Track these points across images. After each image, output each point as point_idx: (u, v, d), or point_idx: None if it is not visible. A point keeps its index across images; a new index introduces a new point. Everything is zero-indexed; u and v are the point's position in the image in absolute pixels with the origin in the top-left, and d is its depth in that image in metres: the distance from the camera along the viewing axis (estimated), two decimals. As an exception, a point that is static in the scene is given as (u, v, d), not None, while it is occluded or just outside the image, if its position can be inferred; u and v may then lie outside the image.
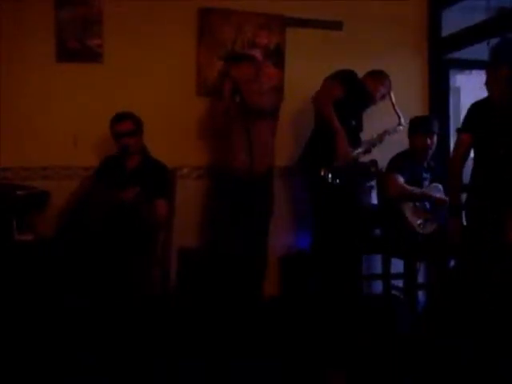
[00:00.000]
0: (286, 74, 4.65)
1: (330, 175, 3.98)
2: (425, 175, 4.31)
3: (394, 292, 4.54)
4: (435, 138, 4.26)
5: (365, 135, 4.31)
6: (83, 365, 3.17)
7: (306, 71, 4.53)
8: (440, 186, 4.31)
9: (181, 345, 3.50)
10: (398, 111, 4.31)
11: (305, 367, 3.28)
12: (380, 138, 4.29)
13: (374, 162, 4.21)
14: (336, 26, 4.77)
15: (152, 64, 4.37)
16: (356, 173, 4.18)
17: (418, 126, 4.26)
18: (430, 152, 4.28)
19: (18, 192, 3.76)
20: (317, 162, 4.03)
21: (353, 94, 4.13)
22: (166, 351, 3.41)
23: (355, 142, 4.18)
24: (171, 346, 3.48)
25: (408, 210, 4.16)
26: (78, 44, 4.26)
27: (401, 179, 4.15)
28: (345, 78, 4.12)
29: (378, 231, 4.55)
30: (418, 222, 4.14)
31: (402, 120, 4.31)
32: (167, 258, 3.96)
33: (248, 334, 3.70)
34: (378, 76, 4.34)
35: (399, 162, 4.26)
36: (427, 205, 4.20)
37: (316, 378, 3.17)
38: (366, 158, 4.22)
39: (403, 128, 4.32)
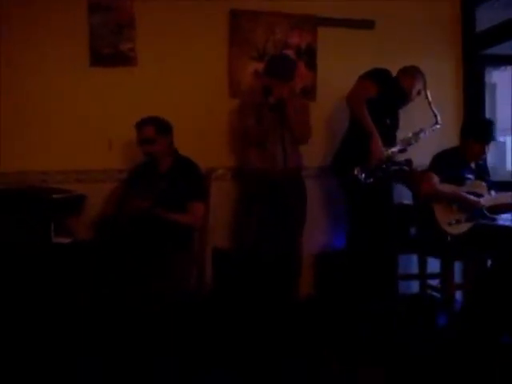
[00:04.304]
0: (318, 74, 4.64)
1: (363, 175, 3.95)
2: (468, 175, 4.22)
3: (430, 292, 4.50)
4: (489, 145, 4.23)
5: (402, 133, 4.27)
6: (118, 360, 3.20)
7: (338, 71, 4.52)
8: (484, 184, 4.24)
9: (216, 343, 3.50)
10: (435, 109, 4.24)
11: (341, 365, 3.26)
12: (416, 137, 4.23)
13: (408, 162, 4.17)
14: (368, 25, 4.74)
15: (184, 67, 4.40)
16: (390, 172, 4.13)
17: (474, 133, 4.20)
18: (483, 157, 4.27)
19: (55, 195, 3.80)
20: (350, 162, 4.01)
21: (387, 91, 4.08)
22: (202, 349, 3.42)
23: (390, 140, 4.14)
24: (207, 344, 3.48)
25: (438, 209, 4.11)
26: (110, 48, 4.29)
27: (436, 178, 4.10)
28: (377, 76, 4.09)
29: (413, 230, 4.51)
30: (448, 222, 4.08)
31: (439, 118, 4.25)
32: (203, 258, 3.98)
33: (283, 334, 3.68)
34: (412, 72, 4.28)
35: (439, 161, 4.21)
36: (458, 205, 4.14)
37: (354, 377, 3.15)
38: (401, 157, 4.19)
39: (440, 127, 4.27)
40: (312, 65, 4.63)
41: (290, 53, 4.48)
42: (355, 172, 3.95)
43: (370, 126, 3.97)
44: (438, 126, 4.27)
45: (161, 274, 3.58)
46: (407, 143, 4.20)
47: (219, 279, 4.07)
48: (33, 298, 3.36)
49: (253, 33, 4.51)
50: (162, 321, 3.43)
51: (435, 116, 4.25)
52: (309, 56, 4.62)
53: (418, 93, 4.27)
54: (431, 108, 4.24)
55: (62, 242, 3.71)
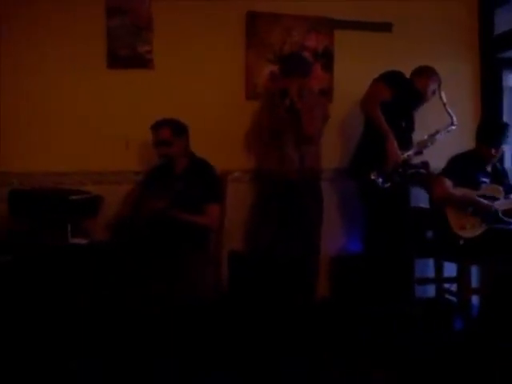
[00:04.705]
0: (335, 76, 4.63)
1: (380, 180, 3.94)
2: (483, 179, 4.19)
3: (447, 296, 4.48)
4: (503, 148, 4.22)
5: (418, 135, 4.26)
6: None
7: (355, 73, 4.49)
8: (500, 188, 4.20)
9: (222, 345, 3.51)
10: (450, 111, 4.21)
11: (356, 368, 3.25)
12: (431, 139, 4.22)
13: (425, 164, 4.15)
14: (385, 27, 4.72)
15: (201, 68, 4.41)
16: (407, 175, 4.11)
17: (487, 136, 4.19)
18: (495, 160, 4.23)
19: (73, 197, 3.82)
20: (366, 166, 4.00)
21: (401, 94, 4.07)
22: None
23: (406, 143, 4.12)
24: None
25: (451, 213, 4.08)
26: (128, 51, 4.31)
27: (448, 183, 4.07)
28: (391, 78, 4.08)
29: (429, 234, 4.49)
30: (461, 225, 4.05)
31: (455, 119, 4.22)
32: (219, 260, 3.99)
33: (300, 335, 3.67)
34: (427, 72, 4.26)
35: (454, 164, 4.18)
36: (470, 209, 4.10)
37: (368, 379, 3.14)
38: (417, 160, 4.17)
39: (455, 128, 4.24)
40: (329, 67, 4.62)
41: (306, 55, 4.46)
42: (372, 176, 3.93)
43: (385, 130, 3.96)
44: (454, 127, 4.24)
45: (177, 276, 3.59)
46: (423, 146, 4.19)
47: (235, 281, 4.08)
48: (50, 298, 3.38)
49: (269, 35, 4.51)
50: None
51: (451, 117, 4.22)
52: (326, 58, 4.62)
53: (433, 93, 4.25)
54: (446, 109, 4.20)
55: (78, 243, 3.73)
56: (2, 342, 3.22)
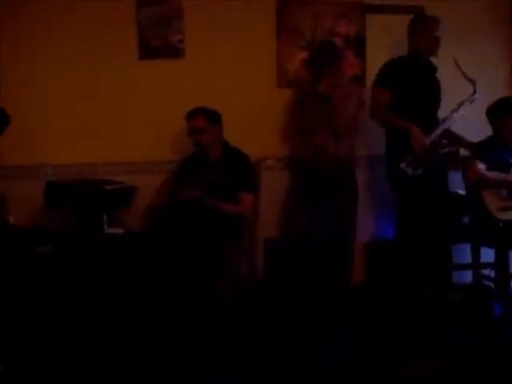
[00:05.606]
0: (368, 61, 4.59)
1: (409, 169, 3.88)
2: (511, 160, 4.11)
3: (484, 282, 4.42)
4: None
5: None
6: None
7: (387, 58, 4.42)
8: None
9: (271, 332, 3.47)
10: (470, 77, 4.00)
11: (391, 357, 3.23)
12: (456, 113, 4.05)
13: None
14: (417, 10, 4.65)
15: (233, 56, 4.40)
16: (440, 156, 4.03)
17: (499, 109, 4.10)
18: None
19: (107, 187, 3.85)
20: (396, 154, 3.97)
21: (401, 82, 4.02)
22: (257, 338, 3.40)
23: (431, 124, 4.02)
24: (262, 333, 3.46)
25: (488, 196, 4.02)
26: (160, 41, 4.33)
27: (481, 165, 4.01)
28: (382, 78, 4.08)
29: (466, 219, 4.44)
30: (498, 208, 3.99)
31: (476, 86, 4.00)
32: (254, 249, 3.99)
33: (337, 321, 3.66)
34: (419, 26, 4.14)
35: (481, 148, 4.12)
36: (505, 193, 4.03)
37: (405, 369, 3.12)
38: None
39: (478, 95, 4.05)
40: (361, 52, 4.58)
41: (338, 41, 4.42)
42: (401, 166, 3.89)
43: (401, 125, 3.93)
44: (477, 95, 4.04)
45: (212, 264, 3.60)
46: (449, 122, 4.05)
47: (271, 269, 4.08)
48: (89, 288, 3.40)
49: (300, 21, 4.48)
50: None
51: (472, 83, 4.01)
52: (357, 44, 4.58)
53: (437, 40, 4.10)
54: (466, 77, 4.00)
55: (115, 232, 3.77)
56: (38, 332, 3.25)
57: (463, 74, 4.01)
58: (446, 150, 4.03)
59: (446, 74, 4.21)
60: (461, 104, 4.07)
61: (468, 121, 4.13)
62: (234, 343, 3.26)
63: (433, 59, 4.19)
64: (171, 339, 3.24)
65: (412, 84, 4.06)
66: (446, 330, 3.52)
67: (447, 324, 3.62)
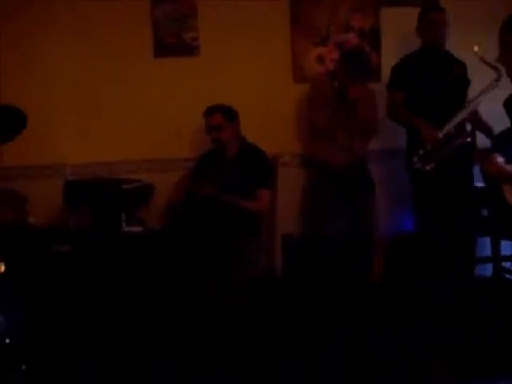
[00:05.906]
0: (383, 55, 4.55)
1: (421, 165, 3.85)
2: None
3: (504, 275, 4.39)
4: None
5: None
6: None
7: (403, 52, 4.38)
8: None
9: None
10: (491, 62, 3.66)
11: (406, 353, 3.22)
12: (475, 103, 3.93)
13: (469, 132, 4.02)
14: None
15: (247, 53, 4.40)
16: (453, 148, 3.98)
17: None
18: None
19: (125, 186, 3.87)
20: (412, 148, 3.95)
21: (412, 82, 4.02)
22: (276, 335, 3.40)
23: (445, 117, 3.93)
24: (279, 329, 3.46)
25: (508, 189, 3.97)
26: (174, 39, 4.34)
27: (500, 158, 3.96)
28: (393, 81, 4.11)
29: (485, 212, 4.40)
30: None
31: (501, 71, 3.64)
32: (272, 245, 3.99)
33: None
34: (426, 17, 4.12)
35: (500, 140, 4.08)
36: None
37: (417, 366, 3.10)
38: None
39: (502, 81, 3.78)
40: (376, 46, 4.54)
41: (352, 35, 4.41)
42: (414, 160, 3.86)
43: (414, 124, 3.92)
44: (499, 82, 3.79)
45: (230, 261, 3.60)
46: (465, 115, 3.95)
47: (289, 266, 4.07)
48: (107, 285, 3.42)
49: (315, 16, 4.46)
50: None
51: (495, 69, 3.74)
52: (372, 37, 4.53)
53: (441, 32, 4.07)
54: (486, 63, 3.73)
55: (133, 231, 3.78)
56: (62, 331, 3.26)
57: (485, 62, 3.78)
58: (459, 141, 3.97)
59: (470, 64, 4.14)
60: (480, 94, 3.94)
61: (488, 113, 4.06)
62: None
63: (452, 50, 4.16)
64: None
65: (422, 79, 4.04)
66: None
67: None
